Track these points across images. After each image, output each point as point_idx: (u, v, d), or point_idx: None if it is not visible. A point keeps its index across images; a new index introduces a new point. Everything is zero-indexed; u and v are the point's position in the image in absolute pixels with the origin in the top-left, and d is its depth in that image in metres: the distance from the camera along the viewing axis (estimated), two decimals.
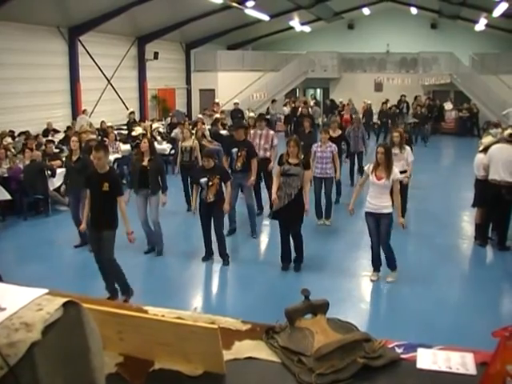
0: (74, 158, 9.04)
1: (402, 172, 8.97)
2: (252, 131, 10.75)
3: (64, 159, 12.72)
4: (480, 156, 8.99)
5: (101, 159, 6.57)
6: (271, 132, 10.75)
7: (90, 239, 7.12)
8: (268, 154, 10.45)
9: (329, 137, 10.16)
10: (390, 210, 7.17)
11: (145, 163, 8.44)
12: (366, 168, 7.55)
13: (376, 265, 7.54)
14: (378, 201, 7.12)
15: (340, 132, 11.79)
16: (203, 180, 7.86)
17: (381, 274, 7.56)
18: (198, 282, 8.05)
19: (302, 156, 7.71)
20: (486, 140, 9.48)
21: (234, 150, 9.33)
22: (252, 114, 17.30)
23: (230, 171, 9.43)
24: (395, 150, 9.13)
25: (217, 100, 24.25)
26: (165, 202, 8.63)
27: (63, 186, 10.25)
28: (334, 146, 9.95)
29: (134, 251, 8.20)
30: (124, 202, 6.90)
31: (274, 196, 7.74)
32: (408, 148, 9.66)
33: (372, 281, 7.51)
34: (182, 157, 11.08)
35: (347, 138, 12.33)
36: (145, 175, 8.32)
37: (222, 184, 8.08)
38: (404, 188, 9.31)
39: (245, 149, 9.27)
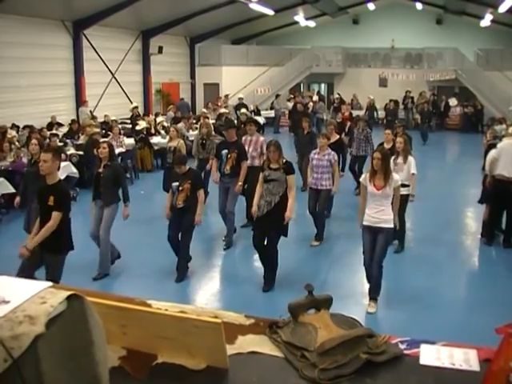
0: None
1: (402, 186, 7.19)
2: (244, 137, 9.70)
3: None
4: (492, 152, 8.87)
5: (47, 162, 5.57)
6: (261, 138, 9.68)
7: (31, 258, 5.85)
8: (256, 162, 9.13)
9: (327, 142, 8.99)
10: (390, 225, 6.28)
11: (100, 170, 7.54)
12: (361, 179, 6.56)
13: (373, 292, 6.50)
14: (379, 213, 6.22)
15: (337, 137, 10.55)
16: (174, 184, 7.30)
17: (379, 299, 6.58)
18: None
19: (284, 160, 6.97)
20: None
21: (224, 151, 8.66)
22: (244, 111, 16.63)
23: (219, 175, 8.88)
24: (398, 160, 8.10)
25: (227, 93, 24.13)
26: (127, 215, 7.60)
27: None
28: (332, 153, 8.74)
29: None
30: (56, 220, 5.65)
31: (254, 208, 7.00)
32: (412, 159, 8.25)
33: (369, 313, 6.36)
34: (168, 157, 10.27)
35: (344, 146, 10.95)
36: (99, 184, 7.42)
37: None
38: (402, 204, 7.44)
39: (235, 151, 8.61)
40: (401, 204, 7.06)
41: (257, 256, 7.26)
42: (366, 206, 6.35)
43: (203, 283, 7.57)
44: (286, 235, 7.03)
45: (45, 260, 5.79)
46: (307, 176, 9.39)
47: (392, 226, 6.31)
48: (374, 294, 6.45)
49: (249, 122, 10.17)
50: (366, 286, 6.66)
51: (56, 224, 5.61)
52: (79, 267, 7.08)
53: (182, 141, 10.75)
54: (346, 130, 13.42)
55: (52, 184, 5.69)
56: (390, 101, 22.80)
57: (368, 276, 6.48)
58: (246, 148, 9.24)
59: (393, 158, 7.86)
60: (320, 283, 7.07)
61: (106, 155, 7.49)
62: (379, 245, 6.25)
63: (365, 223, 6.34)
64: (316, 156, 8.75)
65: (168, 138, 11.05)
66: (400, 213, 7.18)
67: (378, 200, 6.22)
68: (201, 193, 7.34)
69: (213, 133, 12.79)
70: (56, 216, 5.59)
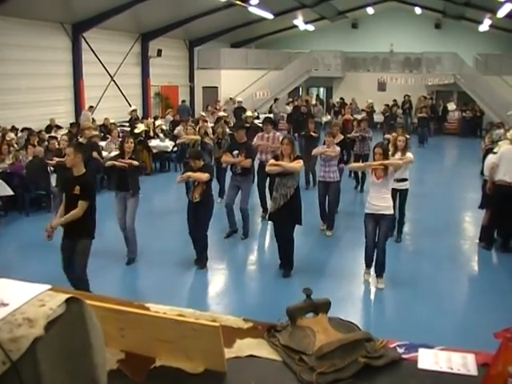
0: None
1: (400, 180, 8.59)
2: (260, 134, 10.47)
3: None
4: (491, 157, 8.83)
5: (69, 155, 6.18)
6: (277, 133, 10.45)
7: (62, 248, 6.42)
8: None
9: (334, 140, 9.62)
10: (391, 212, 7.11)
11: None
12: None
13: (369, 262, 7.34)
14: (380, 201, 6.99)
15: (342, 137, 10.91)
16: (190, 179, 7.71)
17: (372, 273, 7.40)
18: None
19: (296, 155, 7.53)
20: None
21: (235, 152, 9.17)
22: (249, 114, 16.83)
23: (230, 174, 9.44)
24: (395, 156, 8.49)
25: (230, 96, 24.23)
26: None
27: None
28: (339, 149, 9.42)
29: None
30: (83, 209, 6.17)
31: None
32: (409, 154, 8.82)
33: (366, 280, 7.34)
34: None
35: (348, 146, 11.34)
36: (124, 175, 7.91)
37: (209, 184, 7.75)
38: (403, 197, 8.97)
39: (245, 151, 9.10)
40: (401, 197, 8.88)
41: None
42: (369, 196, 7.19)
43: (207, 282, 7.73)
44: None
45: (74, 249, 6.23)
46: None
47: (392, 212, 7.16)
48: (380, 273, 7.21)
49: (265, 122, 10.97)
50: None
51: (81, 212, 6.13)
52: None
53: (198, 136, 11.55)
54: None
55: (78, 176, 6.24)
56: (393, 106, 22.72)
57: (367, 254, 7.25)
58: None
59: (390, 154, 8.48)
60: (326, 276, 7.32)
61: (130, 150, 8.08)
62: (382, 231, 7.07)
63: (368, 211, 7.11)
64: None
65: (185, 134, 12.12)
66: (400, 206, 8.89)
67: (379, 189, 6.99)
68: (207, 176, 7.52)
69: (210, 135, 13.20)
70: (82, 204, 6.13)
